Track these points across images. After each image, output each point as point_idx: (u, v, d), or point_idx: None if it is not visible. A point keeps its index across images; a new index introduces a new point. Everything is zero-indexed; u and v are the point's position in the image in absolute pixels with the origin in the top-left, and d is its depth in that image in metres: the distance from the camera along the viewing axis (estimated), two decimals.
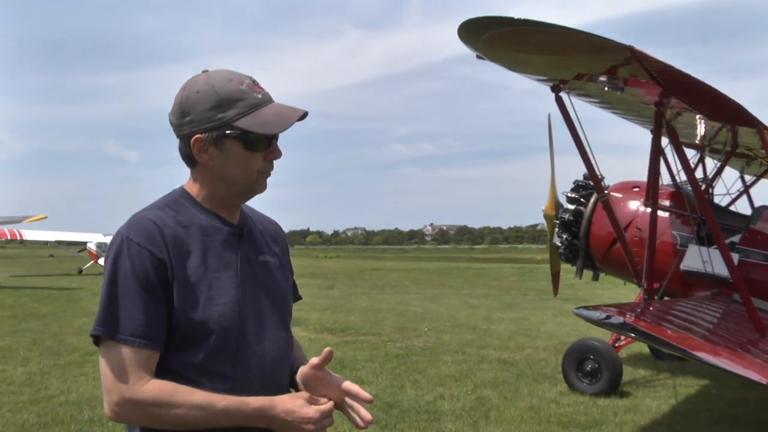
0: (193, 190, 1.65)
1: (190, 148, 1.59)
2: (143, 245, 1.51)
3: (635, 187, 7.33)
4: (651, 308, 4.89)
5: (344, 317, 12.66)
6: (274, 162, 1.63)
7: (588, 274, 8.04)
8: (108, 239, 28.98)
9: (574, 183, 7.81)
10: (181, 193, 1.66)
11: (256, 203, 1.76)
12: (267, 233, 1.77)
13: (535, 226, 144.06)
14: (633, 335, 4.16)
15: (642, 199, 7.06)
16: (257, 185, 1.63)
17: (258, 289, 1.63)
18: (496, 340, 10.02)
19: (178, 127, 1.61)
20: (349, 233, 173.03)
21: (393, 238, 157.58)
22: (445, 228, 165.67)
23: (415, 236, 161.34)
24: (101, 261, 28.51)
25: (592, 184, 7.67)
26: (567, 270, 8.44)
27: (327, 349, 1.59)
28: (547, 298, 16.11)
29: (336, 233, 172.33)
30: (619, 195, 7.24)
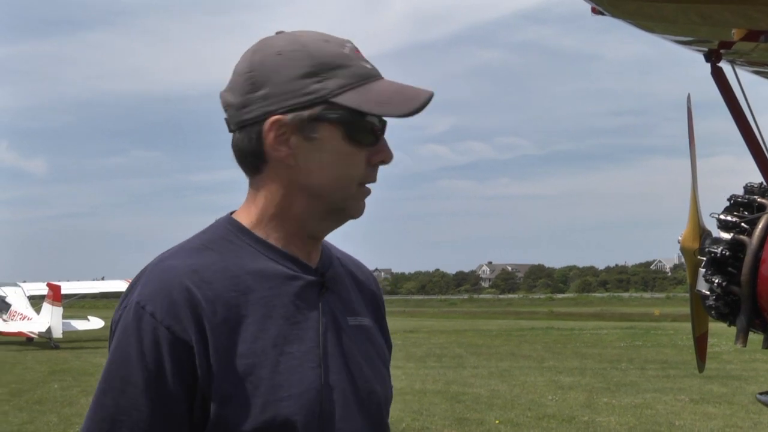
0: (249, 218, 1.59)
1: (259, 137, 1.53)
2: (160, 319, 1.46)
3: None
4: None
5: None
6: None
7: (755, 339, 7.85)
8: None
9: (730, 199, 7.66)
10: (229, 225, 1.59)
11: None
12: (357, 283, 1.72)
13: (649, 264, 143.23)
14: None
15: None
16: (353, 203, 1.58)
17: (349, 370, 1.57)
18: None
19: (240, 108, 1.55)
20: None
21: (433, 284, 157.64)
22: (510, 269, 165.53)
23: (466, 281, 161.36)
24: None
25: (759, 200, 7.56)
26: (714, 331, 8.22)
27: None
28: (678, 375, 15.88)
29: None
30: None
